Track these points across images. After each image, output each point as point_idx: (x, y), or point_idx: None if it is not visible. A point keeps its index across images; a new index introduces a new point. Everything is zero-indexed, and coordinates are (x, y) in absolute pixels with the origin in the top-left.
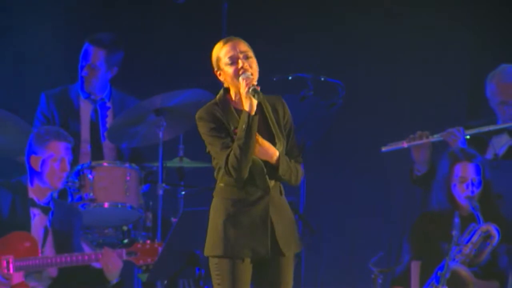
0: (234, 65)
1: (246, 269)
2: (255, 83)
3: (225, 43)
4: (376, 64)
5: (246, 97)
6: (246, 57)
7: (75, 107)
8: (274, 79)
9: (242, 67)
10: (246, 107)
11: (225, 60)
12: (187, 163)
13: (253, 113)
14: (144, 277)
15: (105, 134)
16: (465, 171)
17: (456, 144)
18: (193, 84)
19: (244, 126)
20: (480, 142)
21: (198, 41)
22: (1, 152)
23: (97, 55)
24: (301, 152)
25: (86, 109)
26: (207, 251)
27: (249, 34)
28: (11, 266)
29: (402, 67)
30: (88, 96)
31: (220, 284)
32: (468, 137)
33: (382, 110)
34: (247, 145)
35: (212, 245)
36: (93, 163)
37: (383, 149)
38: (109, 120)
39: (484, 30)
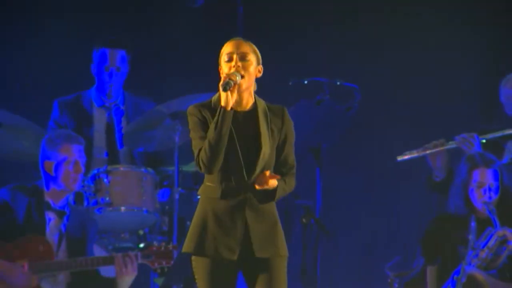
0: (228, 62)
1: (224, 269)
2: (236, 78)
3: (229, 41)
4: (392, 70)
5: (222, 92)
6: (242, 58)
7: (88, 114)
8: (290, 83)
9: (233, 66)
10: (222, 101)
11: (223, 57)
12: None
13: (228, 108)
14: (160, 281)
15: (122, 139)
16: (483, 176)
17: (473, 150)
18: (209, 88)
19: (215, 121)
20: (496, 147)
21: (214, 45)
22: (18, 157)
23: (119, 56)
24: (294, 165)
25: (100, 116)
26: (183, 248)
27: (265, 37)
28: (26, 269)
29: (417, 73)
30: (102, 104)
31: (197, 280)
32: (484, 141)
33: (397, 113)
34: (215, 140)
35: (187, 241)
36: (109, 167)
37: (399, 158)
38: (123, 126)
39: (498, 35)
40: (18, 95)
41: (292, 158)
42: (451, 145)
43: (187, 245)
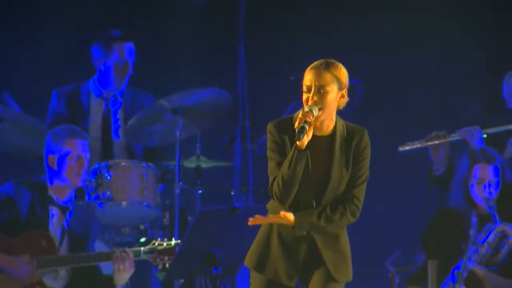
0: (306, 93)
1: None
2: (312, 115)
3: (310, 68)
4: (393, 63)
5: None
6: (320, 90)
7: (84, 106)
8: (291, 78)
9: (308, 99)
10: (297, 140)
11: (303, 85)
12: (204, 162)
13: (302, 147)
14: (161, 276)
15: (122, 132)
16: (483, 172)
17: (475, 143)
18: (211, 83)
19: (289, 158)
20: (498, 142)
21: (216, 40)
22: (20, 152)
23: (132, 49)
24: (362, 194)
25: (97, 107)
26: (245, 261)
27: (266, 33)
28: (28, 262)
29: (418, 66)
30: (100, 94)
31: None
32: (485, 136)
33: (399, 109)
34: (289, 177)
35: (249, 256)
36: (110, 162)
37: (401, 148)
38: (120, 118)
39: (501, 30)
40: (17, 87)
41: (358, 187)
42: (454, 137)
43: (249, 260)
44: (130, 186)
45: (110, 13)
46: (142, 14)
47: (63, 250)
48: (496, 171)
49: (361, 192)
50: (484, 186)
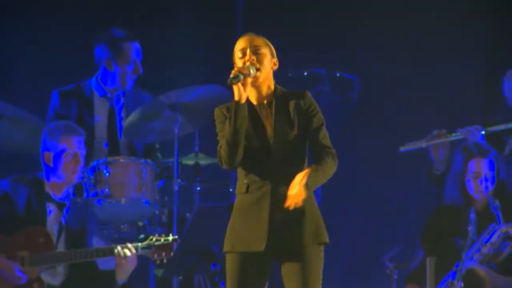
0: (242, 58)
1: (254, 264)
2: (250, 71)
3: (240, 37)
4: (393, 62)
5: (233, 86)
6: (256, 52)
7: (89, 104)
8: (289, 74)
9: (247, 60)
10: (235, 96)
11: (237, 54)
12: (202, 159)
13: (241, 101)
14: (159, 272)
15: (122, 131)
16: (479, 166)
17: (477, 140)
18: (209, 79)
19: (229, 116)
20: (497, 140)
21: (214, 36)
22: (18, 149)
23: (138, 49)
24: (327, 144)
25: (102, 107)
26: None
27: (264, 29)
28: (26, 261)
29: (418, 65)
30: (104, 94)
31: (227, 277)
32: (483, 132)
33: (398, 106)
34: (232, 135)
35: (224, 241)
36: (109, 159)
37: (402, 149)
38: (123, 117)
39: (502, 28)
40: (16, 86)
41: (322, 136)
42: (456, 136)
43: (224, 245)
44: (129, 183)
45: (108, 12)
46: (140, 12)
47: (61, 246)
48: (492, 165)
49: (326, 142)
50: (481, 181)
